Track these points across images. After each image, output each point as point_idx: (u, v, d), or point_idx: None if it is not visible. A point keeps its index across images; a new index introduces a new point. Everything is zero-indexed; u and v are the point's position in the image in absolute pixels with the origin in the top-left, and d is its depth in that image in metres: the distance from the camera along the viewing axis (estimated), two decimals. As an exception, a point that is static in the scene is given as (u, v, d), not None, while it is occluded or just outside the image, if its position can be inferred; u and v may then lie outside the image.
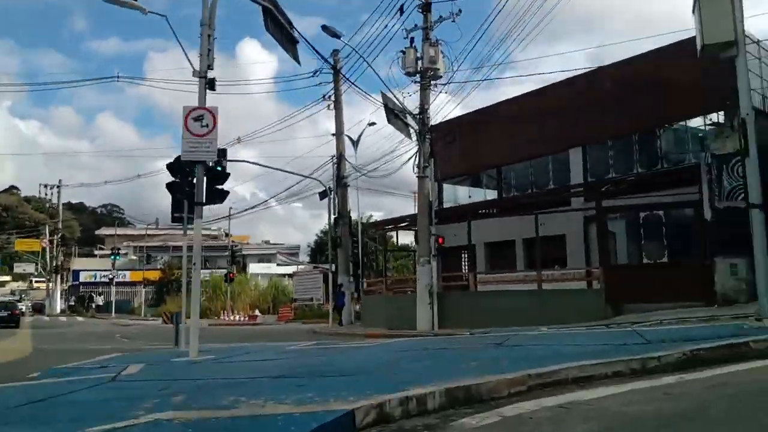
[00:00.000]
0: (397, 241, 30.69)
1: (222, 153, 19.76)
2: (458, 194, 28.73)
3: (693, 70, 18.75)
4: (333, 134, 27.39)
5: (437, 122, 27.77)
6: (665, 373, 6.42)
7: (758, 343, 6.94)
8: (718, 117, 19.68)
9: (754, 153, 8.60)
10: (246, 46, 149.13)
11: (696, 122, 21.33)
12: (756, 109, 19.52)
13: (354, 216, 38.70)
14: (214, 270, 49.21)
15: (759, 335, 7.25)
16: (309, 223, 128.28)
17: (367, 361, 7.93)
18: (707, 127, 19.54)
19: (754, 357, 6.78)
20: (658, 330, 9.48)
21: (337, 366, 7.60)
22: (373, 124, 29.02)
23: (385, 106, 18.76)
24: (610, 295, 17.57)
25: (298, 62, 14.43)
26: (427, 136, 19.78)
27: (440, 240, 19.47)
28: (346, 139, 29.98)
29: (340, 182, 26.56)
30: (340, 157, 26.91)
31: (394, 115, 19.01)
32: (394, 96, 19.92)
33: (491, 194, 27.46)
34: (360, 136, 33.36)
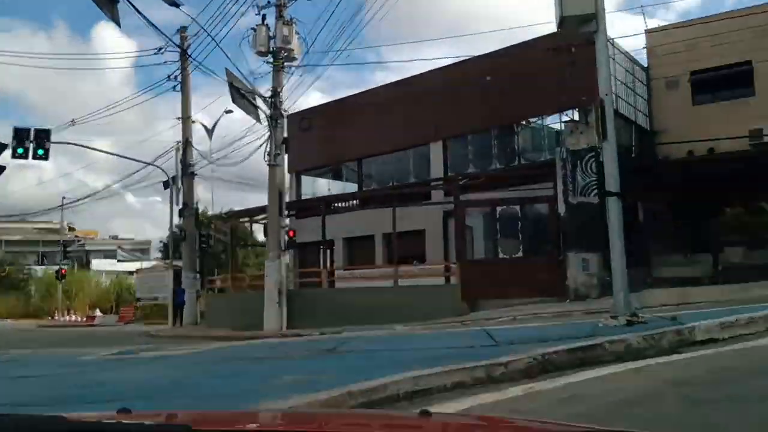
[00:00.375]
0: (252, 234, 28.81)
1: (45, 133, 17.00)
2: (318, 187, 27.41)
3: (550, 67, 18.71)
4: (179, 118, 24.98)
5: (299, 110, 26.45)
6: (513, 381, 5.43)
7: (613, 345, 6.13)
8: (573, 114, 19.81)
9: (612, 136, 7.91)
10: (102, 30, 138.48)
11: (553, 119, 21.48)
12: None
13: (211, 210, 36.35)
14: (49, 266, 44.38)
15: (614, 335, 6.47)
16: (168, 217, 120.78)
17: (162, 378, 6.32)
18: (563, 124, 19.58)
19: (610, 360, 5.95)
20: (509, 329, 8.63)
21: (117, 386, 5.93)
22: (230, 111, 27.02)
23: (230, 84, 16.96)
24: (466, 290, 16.98)
25: (118, 24, 12.53)
26: (279, 122, 18.20)
27: (291, 233, 18.01)
28: (199, 124, 27.72)
29: (186, 170, 24.25)
30: (186, 143, 24.57)
31: (241, 95, 17.27)
32: (243, 76, 18.20)
33: (352, 188, 26.37)
34: (216, 124, 31.06)
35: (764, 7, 19.56)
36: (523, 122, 22.18)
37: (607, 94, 8.07)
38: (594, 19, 8.06)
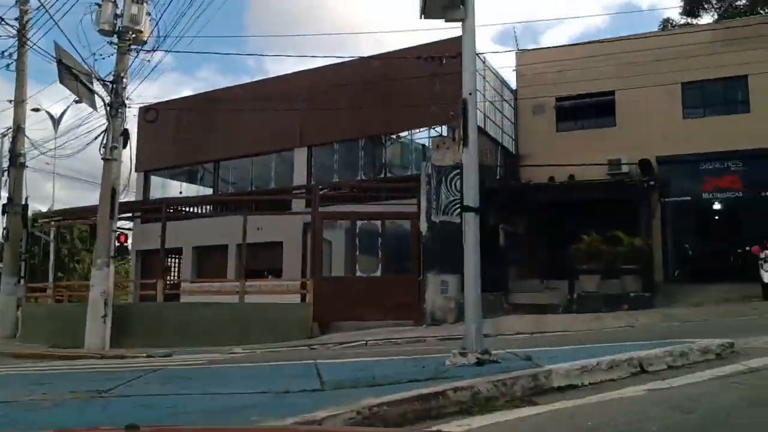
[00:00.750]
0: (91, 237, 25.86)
1: None
2: (171, 189, 25.08)
3: (421, 80, 18.02)
4: (11, 101, 21.78)
5: (153, 102, 24.13)
6: (328, 445, 4.12)
7: (459, 393, 5.00)
8: (442, 130, 19.25)
9: (474, 144, 6.94)
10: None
11: (424, 134, 20.86)
12: (479, 128, 19.58)
13: (54, 208, 32.51)
14: None
15: (461, 378, 5.36)
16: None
17: None
18: (431, 139, 18.95)
19: (453, 412, 4.82)
20: (345, 364, 7.38)
21: None
22: (80, 101, 24.18)
23: (59, 62, 14.64)
24: (319, 310, 15.69)
25: None
26: (120, 111, 16.05)
27: (122, 238, 15.85)
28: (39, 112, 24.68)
29: (15, 161, 21.11)
30: (17, 130, 21.42)
31: (73, 75, 14.97)
32: (82, 58, 15.92)
33: (209, 192, 24.34)
34: (63, 114, 28.12)
35: (629, 38, 20.10)
36: (393, 135, 21.39)
37: (471, 94, 7.08)
38: (462, 4, 7.08)
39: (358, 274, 16.41)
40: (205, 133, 22.57)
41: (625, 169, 19.63)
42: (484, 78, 20.02)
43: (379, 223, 16.44)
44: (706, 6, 32.11)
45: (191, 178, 25.05)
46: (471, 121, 7.09)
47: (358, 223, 16.31)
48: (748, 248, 16.95)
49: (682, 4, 31.88)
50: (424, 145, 19.68)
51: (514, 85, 22.75)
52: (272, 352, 13.61)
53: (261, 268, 20.49)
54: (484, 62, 19.99)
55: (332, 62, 20.30)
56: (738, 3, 31.28)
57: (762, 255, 15.48)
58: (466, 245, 6.97)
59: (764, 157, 18.57)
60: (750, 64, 18.34)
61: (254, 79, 28.95)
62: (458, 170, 17.05)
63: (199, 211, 23.24)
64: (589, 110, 21.48)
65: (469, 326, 6.64)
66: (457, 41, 18.78)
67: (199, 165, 24.08)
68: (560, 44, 23.97)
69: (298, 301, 17.02)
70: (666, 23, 32.14)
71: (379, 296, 15.50)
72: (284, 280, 19.13)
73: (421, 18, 7.51)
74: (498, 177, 21.12)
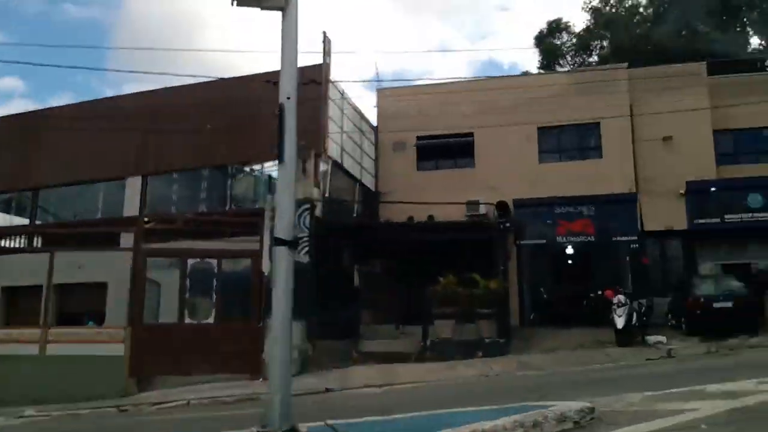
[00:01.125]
0: None
1: None
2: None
3: (272, 106, 16.55)
4: None
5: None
6: None
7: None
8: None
9: (292, 160, 5.55)
10: None
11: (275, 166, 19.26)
12: (335, 162, 18.41)
13: None
14: None
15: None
16: None
17: None
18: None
19: None
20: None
21: None
22: None
23: None
24: (138, 363, 13.45)
25: None
26: None
27: None
28: None
29: None
30: None
31: None
32: None
33: (26, 223, 21.13)
34: None
35: (488, 82, 19.95)
36: (244, 166, 19.60)
37: (289, 98, 5.72)
38: (278, -14, 5.73)
39: (188, 320, 14.29)
40: (24, 157, 19.65)
41: (483, 210, 19.22)
42: (342, 111, 18.93)
43: (214, 261, 14.50)
44: (561, 62, 33.68)
45: (7, 208, 21.71)
46: (289, 132, 5.72)
47: (189, 261, 14.27)
48: (601, 293, 16.81)
49: (539, 58, 33.29)
50: (270, 177, 18.07)
51: (375, 122, 21.91)
52: (69, 416, 11.30)
53: (82, 312, 17.74)
54: (342, 94, 18.92)
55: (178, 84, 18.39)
56: (591, 60, 33.00)
57: (615, 300, 15.26)
58: (275, 289, 5.52)
59: (615, 202, 18.81)
60: (603, 109, 18.66)
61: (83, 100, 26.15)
62: (308, 205, 15.66)
63: (15, 246, 20.00)
64: (449, 150, 21.06)
65: (273, 396, 5.05)
66: (317, 68, 17.24)
67: (16, 192, 20.89)
68: (421, 82, 23.58)
69: (121, 352, 14.60)
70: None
71: (212, 346, 13.53)
72: (106, 326, 16.56)
73: (233, 5, 6.06)
74: (356, 215, 19.95)
